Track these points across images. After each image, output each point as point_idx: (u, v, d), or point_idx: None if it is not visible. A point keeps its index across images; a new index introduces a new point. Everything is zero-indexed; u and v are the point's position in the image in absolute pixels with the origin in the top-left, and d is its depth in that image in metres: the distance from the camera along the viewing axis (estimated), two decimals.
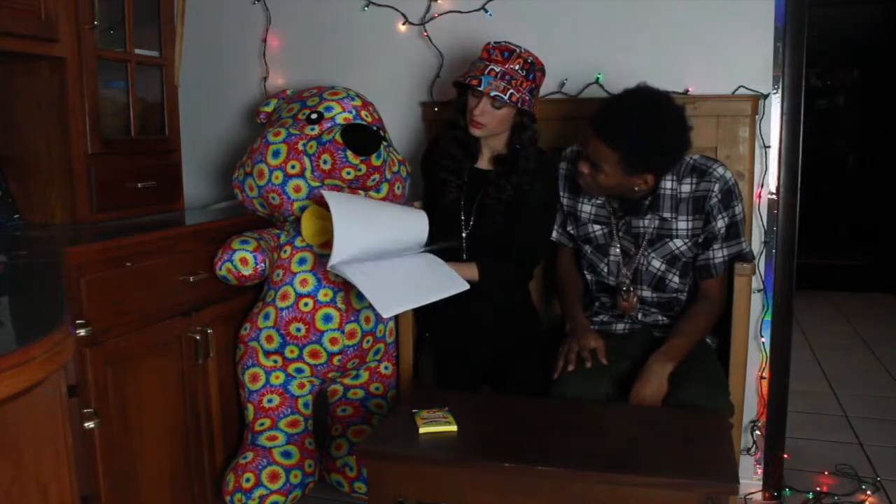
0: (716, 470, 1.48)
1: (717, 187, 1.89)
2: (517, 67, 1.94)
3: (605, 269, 2.04)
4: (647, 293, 2.03)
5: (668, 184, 1.92)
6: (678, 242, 1.95)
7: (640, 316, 2.07)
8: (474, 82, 1.93)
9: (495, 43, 1.98)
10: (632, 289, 2.00)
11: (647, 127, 1.77)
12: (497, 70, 1.94)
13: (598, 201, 2.03)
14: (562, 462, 1.53)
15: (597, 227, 2.04)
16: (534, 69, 1.97)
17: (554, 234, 2.14)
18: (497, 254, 2.08)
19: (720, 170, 1.92)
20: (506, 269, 2.10)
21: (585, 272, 2.11)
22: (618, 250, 2.01)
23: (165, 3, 2.31)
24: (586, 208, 2.06)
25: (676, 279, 1.99)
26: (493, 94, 1.92)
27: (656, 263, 1.98)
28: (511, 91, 1.93)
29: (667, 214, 1.93)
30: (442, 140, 2.11)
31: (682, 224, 1.93)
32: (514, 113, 1.99)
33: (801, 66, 2.21)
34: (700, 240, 1.95)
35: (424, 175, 2.23)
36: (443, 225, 2.09)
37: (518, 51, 1.95)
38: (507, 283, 2.14)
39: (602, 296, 2.11)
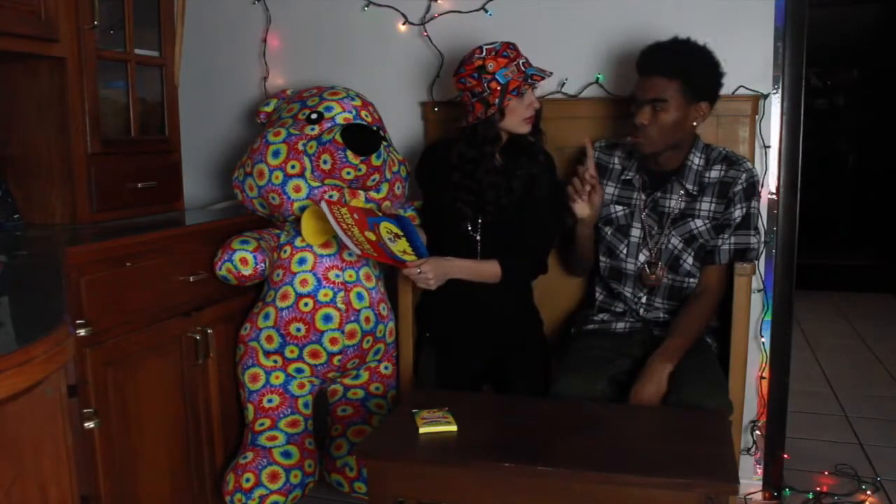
0: (716, 470, 1.48)
1: (744, 177, 1.98)
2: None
3: (625, 251, 2.06)
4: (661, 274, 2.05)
5: (696, 159, 2.00)
6: (699, 223, 2.00)
7: (641, 311, 2.08)
8: (538, 77, 1.97)
9: (503, 42, 1.99)
10: (658, 262, 2.03)
11: (694, 50, 1.93)
12: (524, 60, 1.99)
13: (626, 176, 2.06)
14: (562, 462, 1.53)
15: (619, 207, 2.08)
16: None
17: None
18: (510, 249, 2.08)
19: (748, 164, 2.03)
20: (525, 262, 2.10)
21: (601, 257, 2.12)
22: (638, 231, 2.04)
23: (165, 3, 2.31)
24: (609, 189, 2.09)
25: (690, 260, 2.02)
26: (549, 73, 2.00)
27: (675, 241, 2.02)
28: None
29: (689, 186, 1.99)
30: (482, 177, 2.05)
31: (706, 206, 2.00)
32: None
33: (801, 66, 2.21)
34: (718, 223, 1.99)
35: (423, 188, 2.21)
36: (453, 236, 2.09)
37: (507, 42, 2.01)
38: (528, 276, 2.15)
39: (611, 282, 2.11)
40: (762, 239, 2.12)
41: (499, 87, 1.94)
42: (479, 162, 2.05)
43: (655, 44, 1.95)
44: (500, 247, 2.08)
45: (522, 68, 1.96)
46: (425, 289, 2.02)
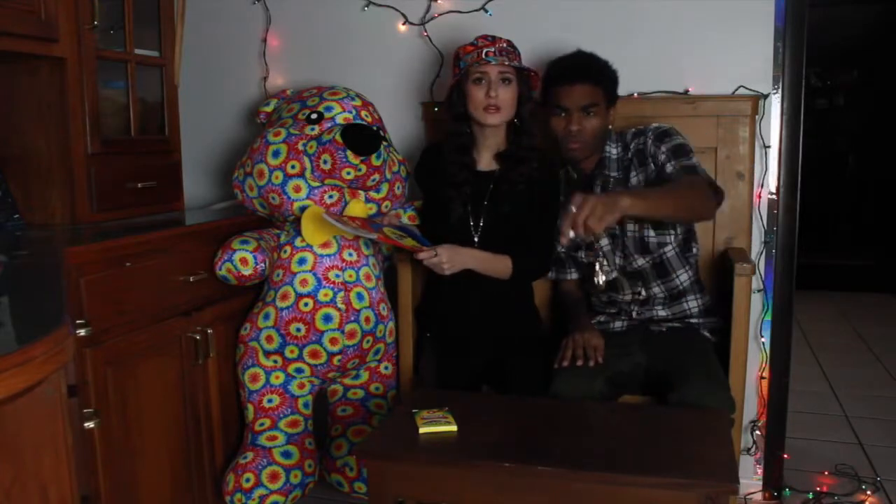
0: (716, 470, 1.48)
1: (650, 132, 2.00)
2: (505, 45, 2.03)
3: (606, 263, 2.05)
4: (641, 262, 2.04)
5: (612, 150, 2.05)
6: None
7: (634, 314, 2.09)
8: (486, 62, 1.98)
9: (484, 34, 2.04)
10: (600, 261, 2.01)
11: (601, 61, 2.03)
12: (493, 49, 2.00)
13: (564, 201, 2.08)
14: (562, 462, 1.53)
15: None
16: (516, 48, 2.06)
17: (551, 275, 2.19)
18: (514, 249, 2.08)
19: (654, 123, 2.04)
20: (532, 259, 2.11)
21: (596, 279, 2.11)
22: (605, 240, 2.05)
23: (165, 3, 2.31)
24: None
25: (652, 232, 2.02)
26: (508, 64, 1.99)
27: (630, 226, 2.03)
28: (514, 61, 2.01)
29: (615, 174, 2.03)
30: (448, 153, 2.11)
31: (635, 179, 2.02)
32: (517, 90, 2.04)
33: (801, 66, 2.21)
34: (654, 181, 1.98)
35: (423, 189, 2.23)
36: (452, 236, 2.09)
37: (499, 37, 2.04)
38: (535, 275, 2.17)
39: (611, 294, 2.11)
40: (762, 239, 2.09)
41: (458, 70, 2.03)
42: (468, 149, 2.10)
43: (571, 56, 2.04)
44: (501, 247, 2.08)
45: (484, 56, 1.99)
46: (440, 275, 2.03)
